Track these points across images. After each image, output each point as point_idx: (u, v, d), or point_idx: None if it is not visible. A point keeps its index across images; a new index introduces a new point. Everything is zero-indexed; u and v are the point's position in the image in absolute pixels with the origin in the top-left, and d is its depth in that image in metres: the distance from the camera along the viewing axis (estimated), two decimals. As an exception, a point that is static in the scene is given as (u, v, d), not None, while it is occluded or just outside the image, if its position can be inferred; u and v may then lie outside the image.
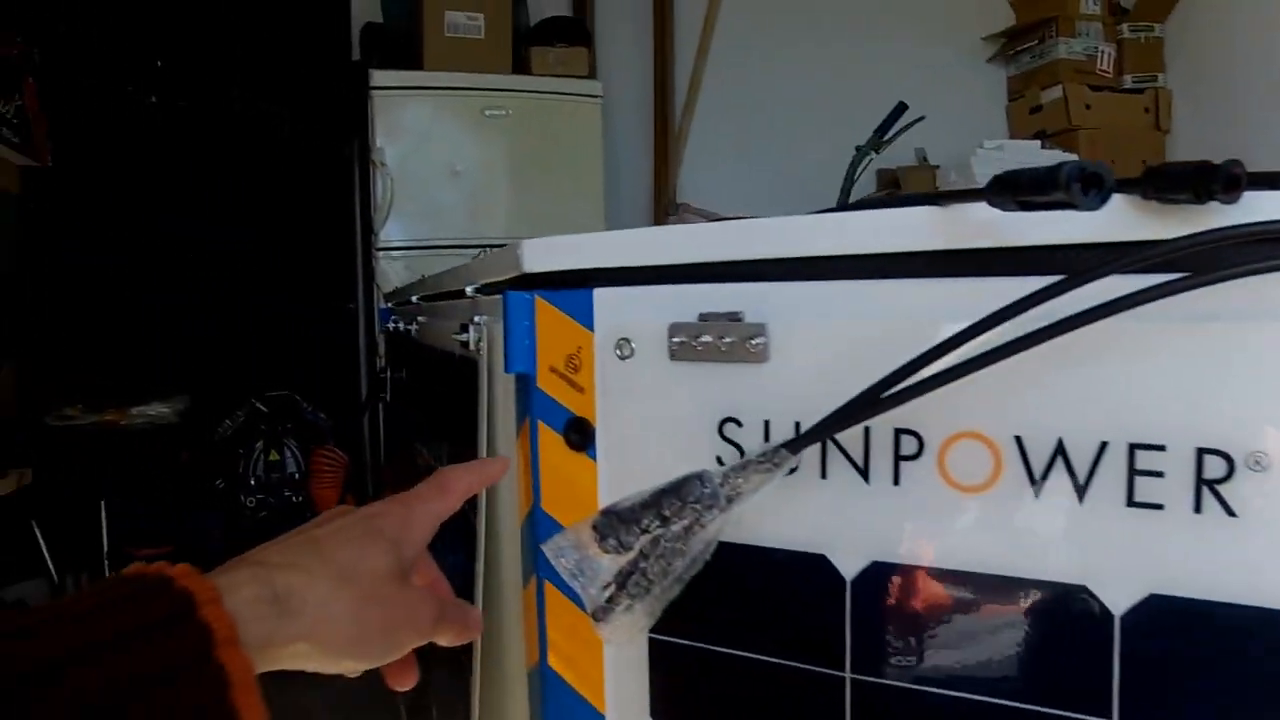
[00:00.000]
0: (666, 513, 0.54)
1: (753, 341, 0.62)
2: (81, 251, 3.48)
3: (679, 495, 0.53)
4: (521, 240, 0.74)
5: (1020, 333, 0.50)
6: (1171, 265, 0.47)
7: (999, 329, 0.51)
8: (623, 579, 0.55)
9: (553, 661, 0.75)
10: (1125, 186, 0.50)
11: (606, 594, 0.55)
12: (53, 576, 2.42)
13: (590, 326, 0.70)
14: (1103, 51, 3.99)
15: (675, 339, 0.65)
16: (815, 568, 0.62)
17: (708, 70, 3.68)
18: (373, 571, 0.44)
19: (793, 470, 0.62)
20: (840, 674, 0.62)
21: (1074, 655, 0.54)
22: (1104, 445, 0.53)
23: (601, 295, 0.69)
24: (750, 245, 0.64)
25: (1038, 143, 3.89)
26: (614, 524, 0.55)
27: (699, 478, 0.54)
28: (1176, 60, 4.03)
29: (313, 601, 0.41)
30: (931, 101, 3.60)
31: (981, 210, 0.53)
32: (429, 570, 0.55)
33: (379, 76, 2.71)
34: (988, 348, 0.51)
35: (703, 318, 0.65)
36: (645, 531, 0.54)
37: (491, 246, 2.82)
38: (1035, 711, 0.55)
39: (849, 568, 0.61)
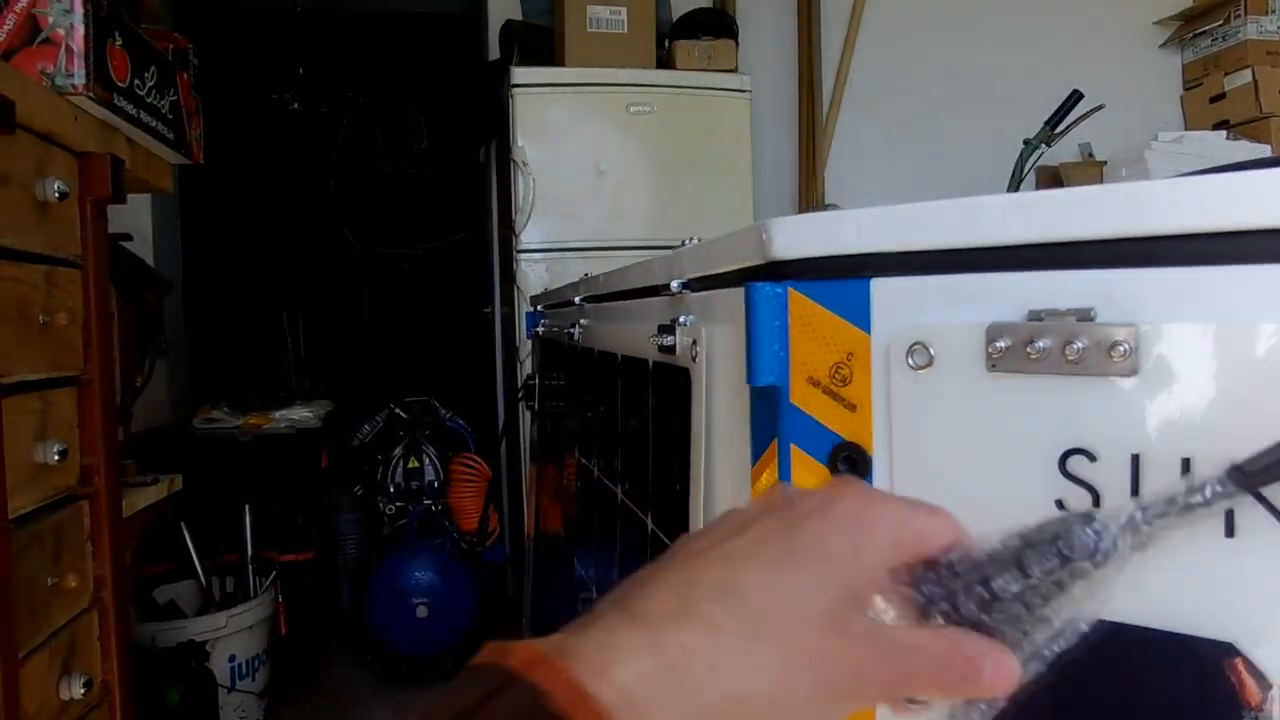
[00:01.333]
0: (1032, 571, 0.37)
1: (1116, 348, 0.45)
2: (228, 254, 3.54)
3: (1053, 545, 0.37)
4: (767, 220, 0.59)
5: None
6: None
7: None
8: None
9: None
10: None
11: None
12: (200, 579, 2.41)
13: (866, 327, 0.54)
14: (1300, 30, 3.60)
15: (996, 344, 0.49)
16: (1220, 660, 0.44)
17: (855, 61, 3.47)
18: (807, 621, 0.31)
19: (1231, 535, 0.45)
20: (1250, 810, 0.44)
21: None
22: None
23: (883, 286, 0.54)
24: (1109, 217, 0.47)
25: (1222, 134, 3.54)
26: (947, 583, 0.38)
27: (1082, 520, 0.37)
28: (1389, 37, 3.60)
29: (724, 671, 0.29)
30: (1097, 91, 3.30)
31: None
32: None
33: (519, 74, 2.62)
34: None
35: (1034, 316, 0.49)
36: (997, 599, 0.37)
37: (634, 249, 2.71)
38: None
39: (1275, 662, 0.43)
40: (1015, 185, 2.92)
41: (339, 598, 3.13)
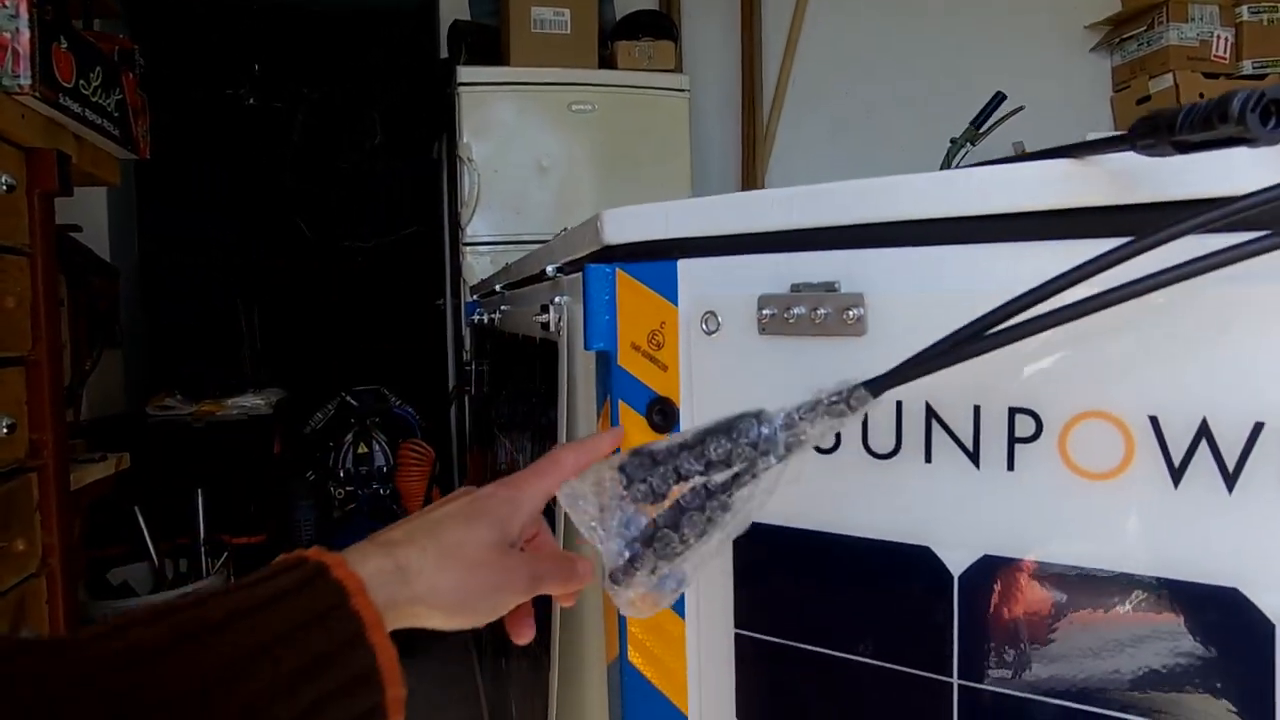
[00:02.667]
0: (712, 456, 0.47)
1: (850, 313, 0.57)
2: (180, 246, 3.60)
3: (729, 436, 0.47)
4: (602, 211, 0.70)
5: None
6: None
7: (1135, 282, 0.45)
8: (650, 535, 0.49)
9: (632, 657, 0.71)
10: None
11: (629, 553, 0.50)
12: (154, 560, 2.49)
13: (674, 300, 0.66)
14: (1219, 36, 3.77)
15: (765, 311, 0.60)
16: (919, 561, 0.56)
17: (796, 60, 3.60)
18: (477, 544, 0.51)
19: (895, 452, 0.57)
20: (946, 679, 0.56)
21: (1221, 668, 0.48)
22: (1258, 427, 0.46)
23: (686, 266, 0.65)
24: (847, 209, 0.59)
25: (1146, 134, 3.70)
26: (645, 466, 0.49)
27: (755, 416, 0.48)
28: (1303, 44, 3.79)
29: (425, 573, 0.48)
30: (1030, 92, 3.45)
31: (1124, 160, 0.47)
32: (540, 536, 0.59)
33: (465, 73, 2.72)
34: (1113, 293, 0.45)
35: (795, 288, 0.60)
36: (683, 478, 0.48)
37: (576, 242, 2.80)
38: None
39: (957, 562, 0.55)
40: (942, 182, 3.04)
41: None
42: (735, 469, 0.47)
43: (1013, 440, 0.53)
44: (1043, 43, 4.07)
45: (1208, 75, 3.77)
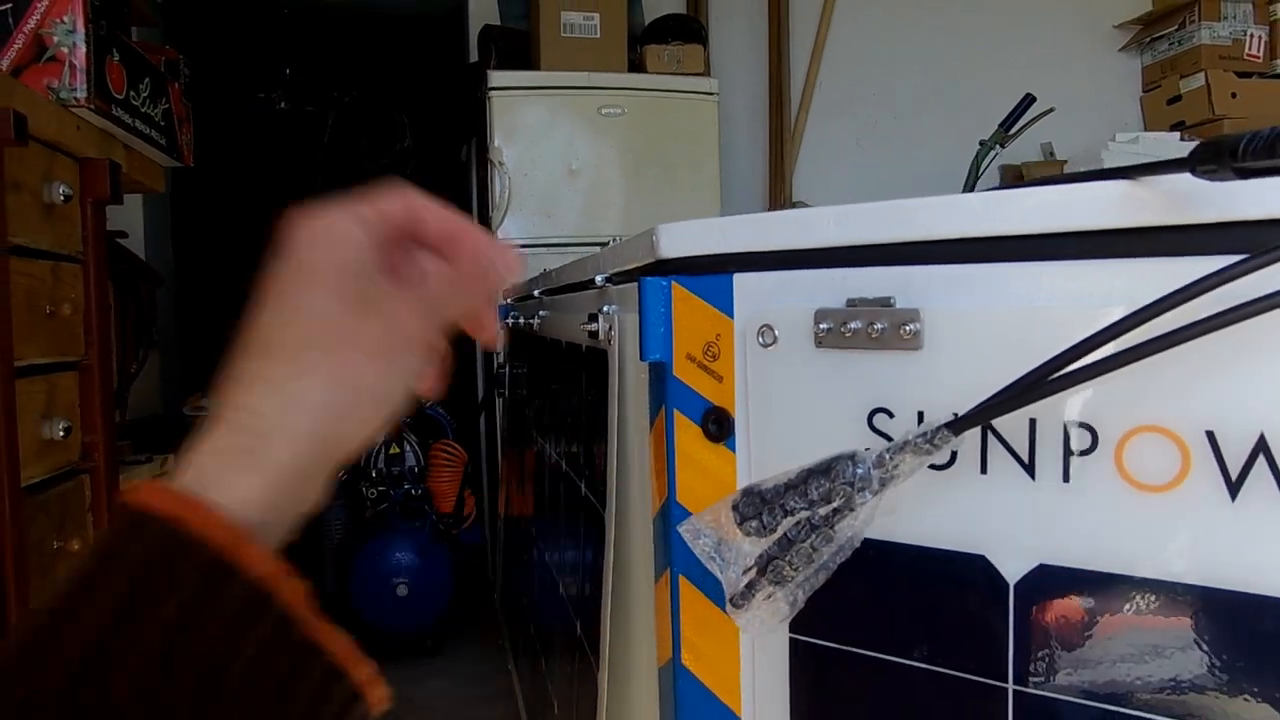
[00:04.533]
0: (814, 495, 0.50)
1: (906, 328, 0.59)
2: (217, 249, 3.66)
3: (828, 476, 0.50)
4: (657, 225, 0.72)
5: (1208, 313, 0.45)
6: None
7: (1188, 309, 0.46)
8: (764, 564, 0.52)
9: (686, 660, 0.73)
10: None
11: (746, 579, 0.53)
12: (189, 560, 2.53)
13: (730, 313, 0.68)
14: (1252, 35, 3.74)
15: (821, 325, 0.62)
16: (975, 569, 0.58)
17: (824, 63, 3.61)
18: (328, 322, 0.37)
19: (950, 463, 0.59)
20: (1001, 684, 0.57)
21: (1266, 674, 0.49)
22: (1316, 442, 0.47)
23: (742, 280, 0.67)
24: (904, 226, 0.60)
25: (1176, 135, 3.67)
26: (756, 504, 0.52)
27: (850, 458, 0.50)
28: (1338, 41, 3.75)
29: (287, 413, 0.36)
30: (1059, 93, 3.44)
31: (1180, 182, 0.49)
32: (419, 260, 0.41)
33: (496, 78, 2.75)
34: (1171, 328, 0.46)
35: (850, 303, 0.62)
36: (789, 514, 0.51)
37: (605, 245, 2.82)
38: (1228, 735, 0.50)
39: (1012, 570, 0.57)
40: (971, 184, 3.05)
41: (326, 581, 3.26)
42: (835, 504, 0.50)
43: (1068, 453, 0.54)
44: (1071, 43, 4.05)
45: (1240, 75, 3.74)
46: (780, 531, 0.52)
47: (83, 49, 1.24)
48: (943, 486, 0.59)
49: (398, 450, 2.80)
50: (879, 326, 0.59)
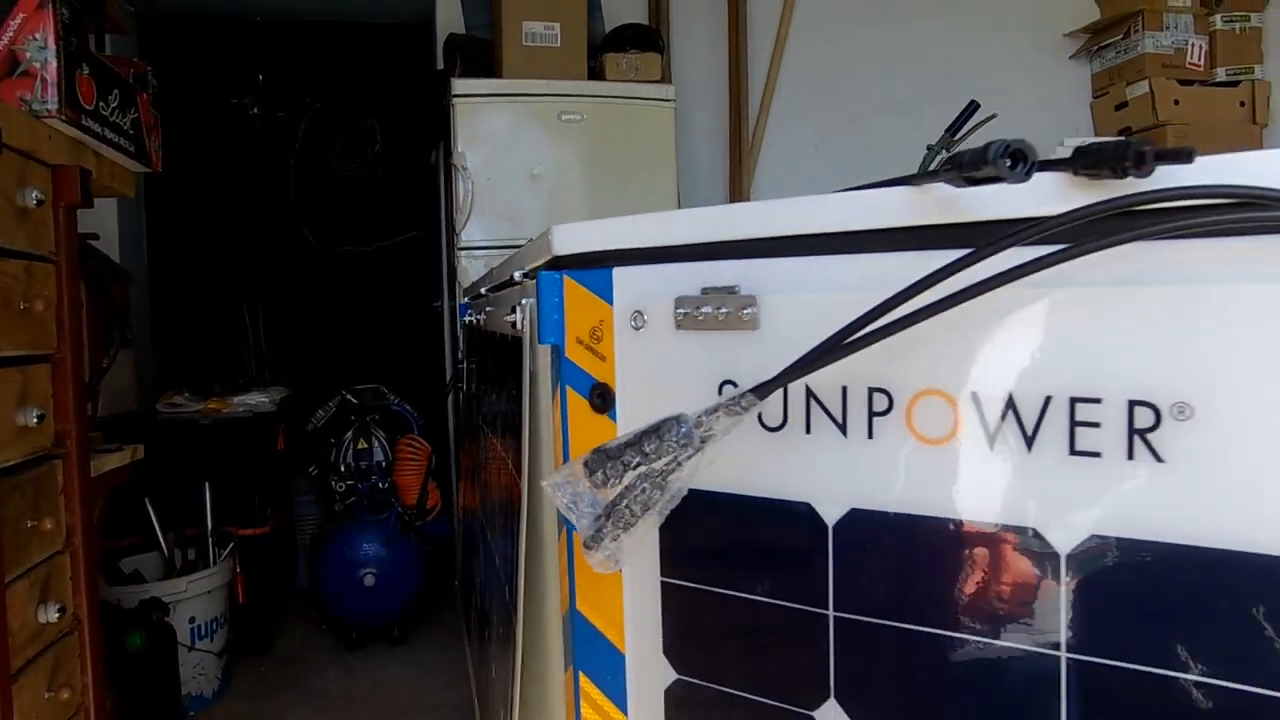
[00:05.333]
0: (648, 450, 0.61)
1: (745, 311, 0.70)
2: (191, 251, 3.74)
3: (659, 435, 0.61)
4: (552, 226, 0.83)
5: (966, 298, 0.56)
6: (1062, 238, 0.53)
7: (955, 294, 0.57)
8: (609, 511, 0.63)
9: (580, 606, 0.84)
10: (1058, 164, 0.56)
11: (596, 525, 0.63)
12: (164, 550, 2.62)
13: (610, 301, 0.78)
14: (1193, 44, 3.88)
15: (680, 310, 0.73)
16: (802, 515, 0.69)
17: (782, 69, 3.73)
18: None
19: (783, 426, 0.70)
20: (824, 611, 0.68)
21: (1024, 592, 0.60)
22: (1048, 399, 0.58)
23: (620, 273, 0.78)
24: (745, 225, 0.71)
25: (1121, 140, 3.81)
26: (603, 461, 0.62)
27: (676, 420, 0.61)
28: (1277, 51, 3.90)
29: None
30: (1013, 98, 3.57)
31: (944, 189, 0.60)
32: None
33: (460, 85, 2.85)
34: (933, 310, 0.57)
35: (704, 291, 0.73)
36: (629, 468, 0.61)
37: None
38: (989, 643, 0.61)
39: (831, 514, 0.68)
40: (919, 188, 3.16)
41: (297, 573, 3.35)
42: (665, 459, 0.61)
43: (871, 414, 0.65)
44: (1024, 51, 4.18)
45: (1183, 82, 3.88)
46: (623, 484, 0.63)
47: (54, 64, 1.34)
48: (777, 446, 0.70)
49: (366, 445, 2.90)
50: (725, 310, 0.70)
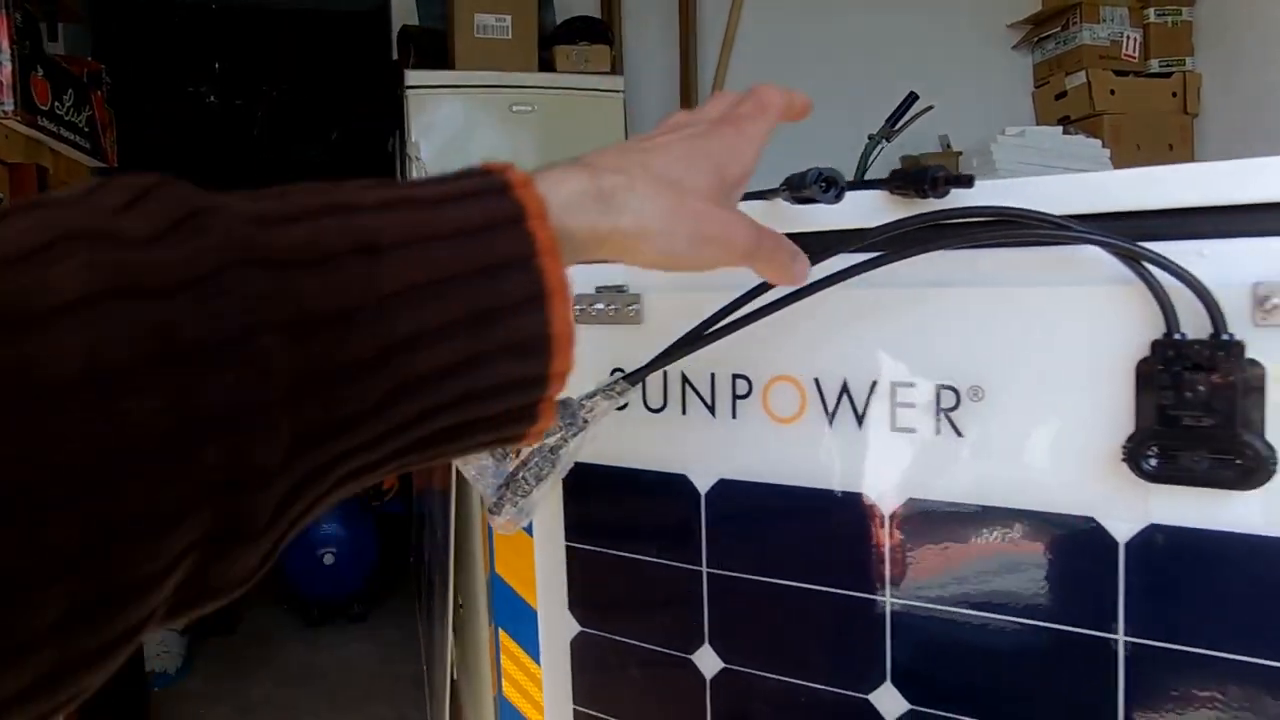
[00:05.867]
0: None
1: (631, 308, 0.80)
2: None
3: None
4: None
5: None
6: (879, 247, 0.63)
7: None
8: (509, 480, 0.72)
9: (499, 569, 0.94)
10: (880, 184, 0.66)
11: (499, 494, 0.73)
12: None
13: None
14: (1128, 36, 4.02)
15: (577, 307, 0.83)
16: (680, 485, 0.79)
17: (732, 60, 3.82)
18: (693, 191, 0.46)
19: (663, 408, 0.80)
20: (699, 568, 0.79)
21: (855, 547, 0.71)
22: (874, 384, 0.69)
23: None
24: (633, 233, 0.81)
25: (1059, 129, 3.94)
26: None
27: (563, 403, 0.70)
28: (1207, 43, 4.05)
29: (632, 206, 0.44)
30: (957, 89, 3.69)
31: (785, 204, 0.70)
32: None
33: (413, 76, 2.91)
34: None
35: (598, 289, 0.83)
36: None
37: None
38: (831, 591, 0.72)
39: (703, 484, 0.78)
40: (860, 175, 3.28)
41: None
42: (554, 437, 0.70)
43: (735, 397, 0.76)
44: (968, 41, 4.31)
45: (1119, 73, 4.02)
46: (520, 458, 0.72)
47: (9, 67, 1.40)
48: (660, 424, 0.80)
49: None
50: (614, 307, 0.80)
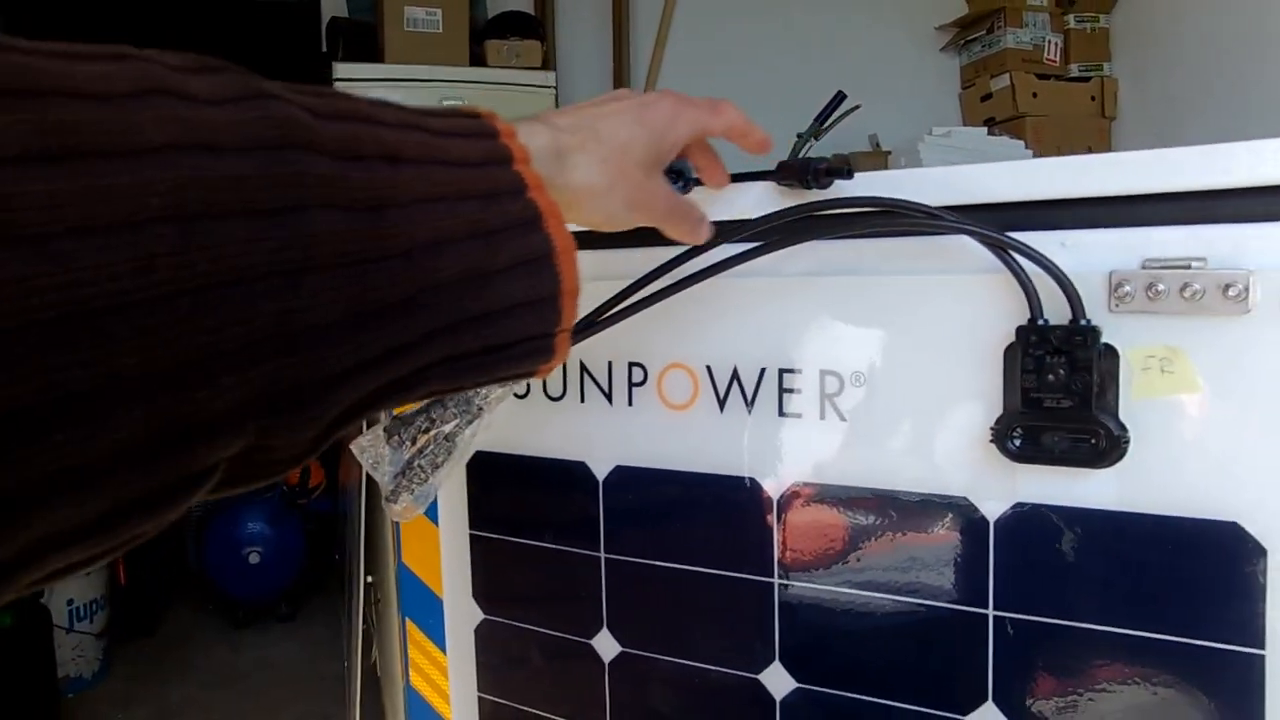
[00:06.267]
0: (434, 417, 0.71)
1: (532, 298, 0.80)
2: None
3: (443, 404, 0.71)
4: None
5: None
6: (763, 236, 0.65)
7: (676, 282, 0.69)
8: (405, 469, 0.72)
9: (405, 560, 0.94)
10: (766, 175, 0.68)
11: (395, 482, 0.73)
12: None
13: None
14: (1050, 41, 4.14)
15: (479, 297, 0.83)
16: (579, 472, 0.80)
17: (665, 57, 3.84)
18: (632, 158, 0.51)
19: (562, 396, 0.81)
20: (597, 554, 0.80)
21: (746, 531, 0.73)
22: (763, 370, 0.71)
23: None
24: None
25: (984, 130, 4.05)
26: (398, 426, 0.72)
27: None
28: (1123, 49, 4.19)
29: (581, 166, 0.49)
30: (887, 89, 3.76)
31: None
32: (704, 159, 0.62)
33: (341, 69, 2.88)
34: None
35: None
36: (421, 431, 0.71)
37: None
38: (724, 574, 0.74)
39: (601, 471, 0.79)
40: (790, 175, 3.32)
41: (187, 554, 3.35)
42: (450, 425, 0.70)
43: (631, 385, 0.77)
44: (898, 42, 4.39)
45: (1041, 77, 4.14)
46: (416, 446, 0.73)
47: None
48: (559, 412, 0.81)
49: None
50: (514, 297, 0.81)
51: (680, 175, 0.62)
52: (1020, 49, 4.11)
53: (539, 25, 3.25)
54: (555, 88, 3.13)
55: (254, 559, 2.78)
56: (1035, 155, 3.62)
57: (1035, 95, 4.08)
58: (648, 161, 0.53)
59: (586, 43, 3.74)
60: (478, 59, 3.07)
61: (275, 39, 3.95)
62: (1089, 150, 4.16)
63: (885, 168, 4.21)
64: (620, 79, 3.73)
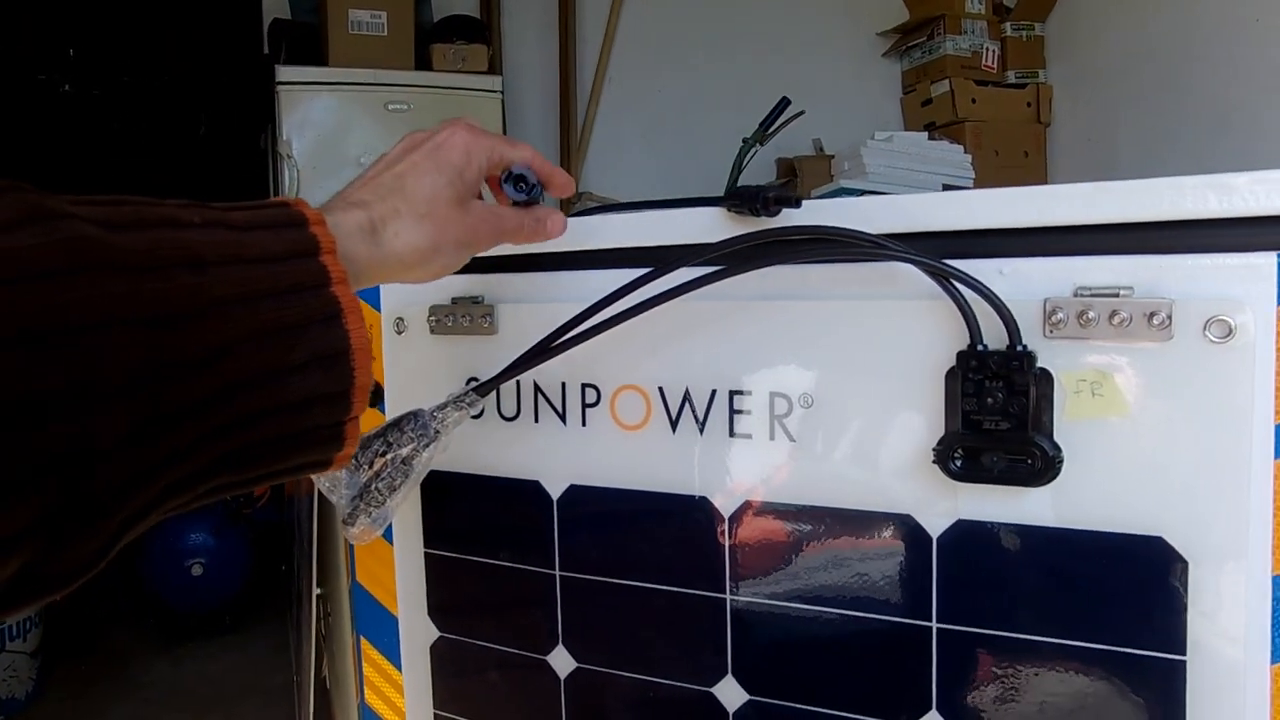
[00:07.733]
0: (391, 440, 0.71)
1: (485, 319, 0.81)
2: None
3: (400, 427, 0.71)
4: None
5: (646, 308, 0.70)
6: (717, 262, 0.67)
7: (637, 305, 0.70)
8: (362, 492, 0.73)
9: (360, 578, 0.94)
10: (719, 201, 0.70)
11: (353, 505, 0.73)
12: None
13: (378, 308, 0.88)
14: (987, 48, 4.24)
15: (432, 318, 0.84)
16: (533, 491, 0.81)
17: (611, 61, 3.85)
18: (444, 202, 0.53)
19: (517, 416, 0.82)
20: (552, 571, 0.81)
21: (698, 548, 0.74)
22: (714, 392, 0.73)
23: (386, 285, 0.88)
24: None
25: (924, 134, 4.12)
26: (356, 450, 0.73)
27: (414, 414, 0.71)
28: (1057, 57, 4.30)
29: (402, 233, 0.51)
30: (830, 94, 3.81)
31: (638, 217, 0.73)
32: (542, 170, 0.64)
33: (285, 72, 2.83)
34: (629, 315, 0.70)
35: (454, 301, 0.84)
36: (378, 455, 0.72)
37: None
38: (677, 590, 0.75)
39: (555, 490, 0.80)
40: (735, 177, 3.36)
41: (126, 567, 3.27)
42: (406, 448, 0.71)
43: (585, 405, 0.78)
44: (841, 47, 4.45)
45: (979, 83, 4.23)
46: (373, 469, 0.73)
47: None
48: (513, 432, 0.82)
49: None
50: (467, 318, 0.82)
51: (523, 180, 0.63)
52: (959, 55, 4.20)
53: (485, 29, 3.24)
54: (501, 92, 3.13)
55: (196, 570, 2.73)
56: (974, 160, 3.70)
57: (974, 101, 4.17)
58: (457, 199, 0.55)
59: (533, 47, 3.73)
60: (423, 62, 3.04)
61: (214, 42, 3.88)
62: (1025, 156, 4.28)
63: (829, 171, 4.27)
64: (566, 83, 3.73)
